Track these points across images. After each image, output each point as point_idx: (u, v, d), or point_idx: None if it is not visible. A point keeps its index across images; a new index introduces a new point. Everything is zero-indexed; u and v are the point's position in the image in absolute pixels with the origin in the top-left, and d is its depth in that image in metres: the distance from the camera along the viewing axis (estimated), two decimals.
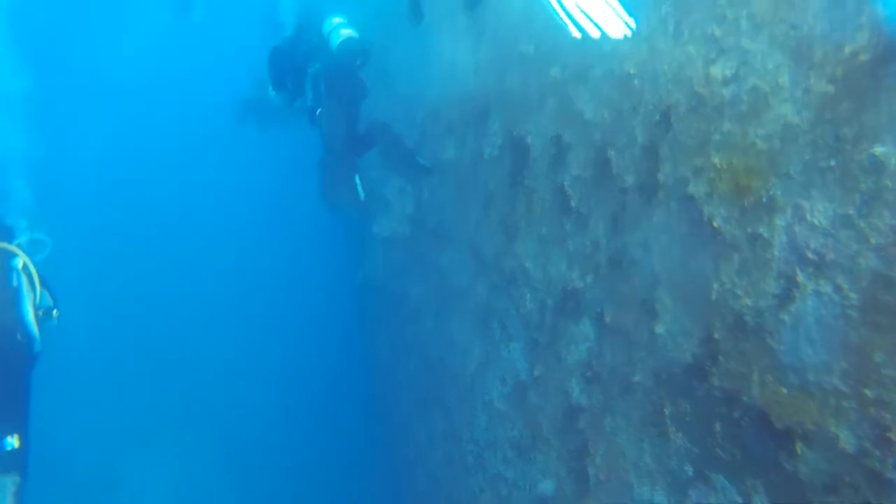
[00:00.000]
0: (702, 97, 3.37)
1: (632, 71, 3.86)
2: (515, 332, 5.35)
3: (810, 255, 2.77)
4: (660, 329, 3.69)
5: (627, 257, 3.93)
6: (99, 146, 14.67)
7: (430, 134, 6.83)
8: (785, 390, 2.88)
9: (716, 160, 3.27)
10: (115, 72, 14.82)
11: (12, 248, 4.94)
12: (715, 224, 3.27)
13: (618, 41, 3.22)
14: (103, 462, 12.22)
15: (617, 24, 3.20)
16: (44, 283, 4.97)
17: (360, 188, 6.20)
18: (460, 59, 6.01)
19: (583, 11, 3.17)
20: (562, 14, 3.20)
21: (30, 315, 4.71)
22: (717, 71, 3.29)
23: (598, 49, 4.13)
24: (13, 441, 4.23)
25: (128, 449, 12.39)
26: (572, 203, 4.46)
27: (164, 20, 13.78)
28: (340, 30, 6.30)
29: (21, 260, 4.88)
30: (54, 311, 4.97)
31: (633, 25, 3.22)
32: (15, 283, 4.72)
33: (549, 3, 3.23)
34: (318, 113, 6.20)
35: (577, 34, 3.20)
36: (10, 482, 4.12)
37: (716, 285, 3.27)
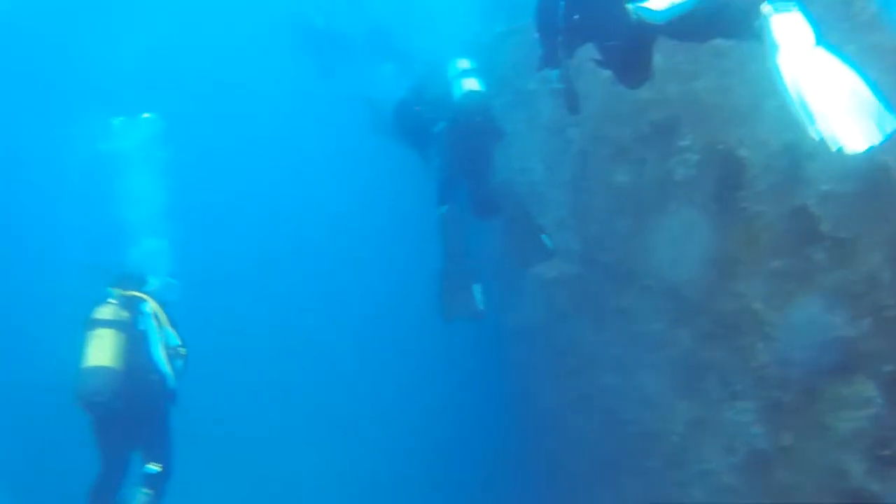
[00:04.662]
0: None
1: None
2: (744, 390, 4.32)
3: None
4: None
5: None
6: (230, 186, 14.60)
7: (592, 158, 5.93)
8: None
9: None
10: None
11: (141, 294, 5.37)
12: None
13: None
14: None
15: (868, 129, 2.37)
16: (172, 324, 5.38)
17: (478, 299, 5.86)
18: None
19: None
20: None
21: (160, 354, 5.14)
22: None
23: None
24: (156, 467, 5.10)
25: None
26: (823, 227, 3.45)
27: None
28: (463, 80, 5.77)
29: (149, 305, 5.29)
30: (181, 349, 5.33)
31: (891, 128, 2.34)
32: (142, 326, 5.16)
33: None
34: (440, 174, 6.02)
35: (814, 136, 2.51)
36: (144, 494, 5.03)
37: None
